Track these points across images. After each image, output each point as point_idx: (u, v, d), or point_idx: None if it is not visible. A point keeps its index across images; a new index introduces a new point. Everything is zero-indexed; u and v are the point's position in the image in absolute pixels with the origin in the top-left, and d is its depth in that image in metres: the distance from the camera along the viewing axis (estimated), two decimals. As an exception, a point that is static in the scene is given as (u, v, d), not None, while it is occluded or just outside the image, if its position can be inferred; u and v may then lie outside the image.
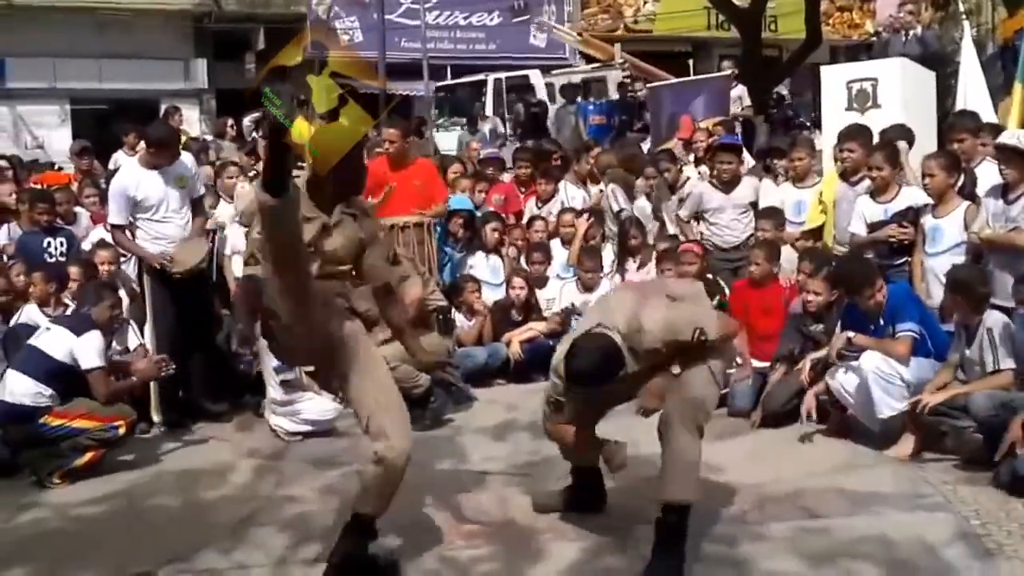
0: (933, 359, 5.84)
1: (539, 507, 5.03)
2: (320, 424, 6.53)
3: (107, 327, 6.20)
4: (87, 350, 5.87)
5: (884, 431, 5.80)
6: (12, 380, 5.84)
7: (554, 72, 20.63)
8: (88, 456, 5.82)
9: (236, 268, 8.06)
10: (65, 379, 5.84)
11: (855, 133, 7.41)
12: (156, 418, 6.77)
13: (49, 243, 7.79)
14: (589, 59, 23.78)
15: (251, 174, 7.47)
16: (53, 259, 7.59)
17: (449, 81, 21.28)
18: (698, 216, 8.28)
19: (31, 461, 5.83)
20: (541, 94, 18.80)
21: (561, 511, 4.95)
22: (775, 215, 7.70)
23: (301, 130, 7.53)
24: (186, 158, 7.20)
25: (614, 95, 18.18)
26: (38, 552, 4.84)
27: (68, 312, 6.63)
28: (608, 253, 8.66)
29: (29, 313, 6.69)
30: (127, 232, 6.83)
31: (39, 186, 9.58)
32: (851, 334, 5.96)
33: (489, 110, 18.84)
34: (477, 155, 11.74)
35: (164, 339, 6.70)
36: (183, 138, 10.04)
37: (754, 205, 8.12)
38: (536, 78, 19.66)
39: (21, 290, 7.02)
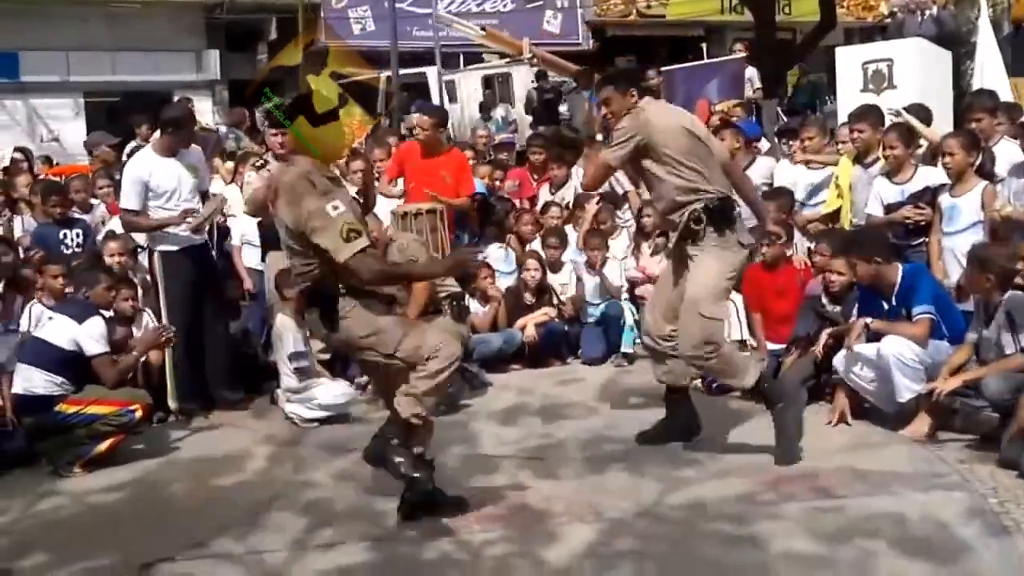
0: (948, 340, 5.79)
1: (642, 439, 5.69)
2: (335, 409, 6.56)
3: (108, 307, 6.20)
4: (90, 337, 5.85)
5: (898, 411, 5.78)
6: (24, 374, 5.84)
7: (462, 69, 19.60)
8: (108, 443, 5.82)
9: (247, 258, 8.10)
10: (73, 366, 5.83)
11: (865, 113, 7.38)
12: (173, 406, 6.77)
13: (65, 235, 7.79)
14: (607, 48, 23.70)
15: (258, 163, 7.43)
16: (70, 251, 7.59)
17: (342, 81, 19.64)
18: None
19: (47, 451, 5.83)
20: (435, 93, 17.41)
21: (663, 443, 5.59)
22: (780, 196, 7.62)
23: (301, 128, 7.53)
24: (196, 150, 7.20)
25: (520, 92, 17.43)
26: (58, 539, 4.86)
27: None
28: (624, 238, 8.66)
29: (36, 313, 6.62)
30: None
31: (54, 178, 9.62)
32: (868, 320, 5.94)
33: (379, 108, 17.47)
34: (484, 141, 11.69)
35: (179, 329, 6.70)
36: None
37: (770, 187, 8.08)
38: (432, 76, 18.24)
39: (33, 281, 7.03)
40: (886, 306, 5.93)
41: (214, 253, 7.38)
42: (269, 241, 7.36)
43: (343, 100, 4.07)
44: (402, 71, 17.62)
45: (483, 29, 18.04)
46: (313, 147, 4.37)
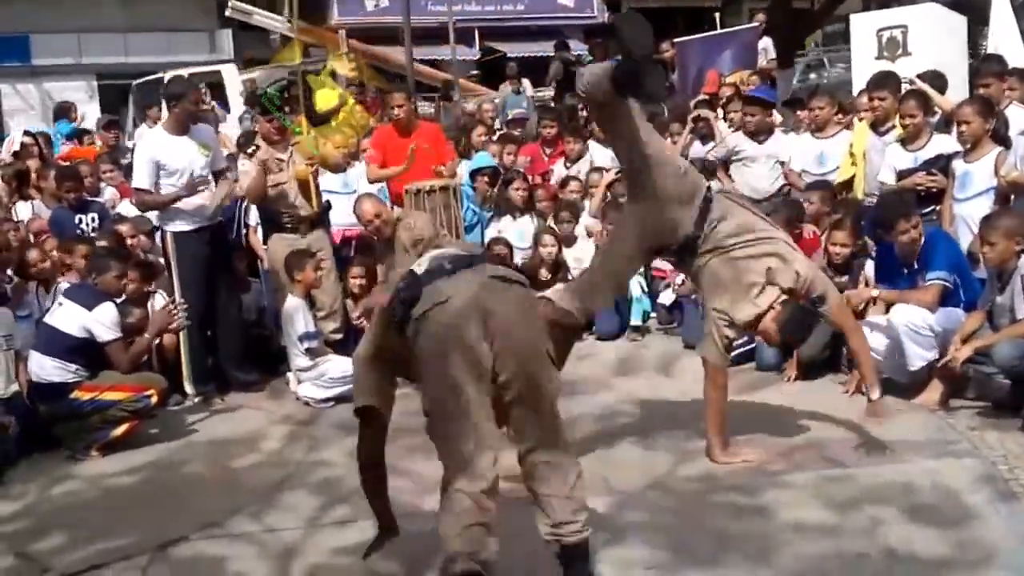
0: (964, 307, 5.75)
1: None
2: (347, 381, 6.57)
3: (117, 295, 6.21)
4: (101, 323, 5.84)
5: (912, 380, 5.75)
6: (37, 361, 5.86)
7: (263, 67, 18.18)
8: (124, 427, 5.86)
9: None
10: (85, 353, 5.83)
11: (885, 81, 7.31)
12: (189, 390, 6.82)
13: (81, 219, 7.83)
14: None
15: (250, 150, 7.40)
16: (86, 235, 7.61)
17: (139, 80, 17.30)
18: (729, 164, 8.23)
19: (63, 435, 5.86)
20: (233, 94, 15.96)
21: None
22: (787, 209, 7.19)
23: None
24: (207, 128, 7.21)
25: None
26: (74, 521, 4.91)
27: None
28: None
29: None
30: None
31: (66, 162, 9.65)
32: (875, 292, 5.92)
33: (164, 113, 16.29)
34: (491, 115, 11.67)
35: (193, 309, 6.73)
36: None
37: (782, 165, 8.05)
38: (229, 75, 16.61)
39: (56, 264, 7.07)
40: (905, 271, 5.90)
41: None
42: (271, 224, 7.39)
43: (343, 100, 4.07)
44: (194, 69, 15.89)
45: (289, 22, 17.19)
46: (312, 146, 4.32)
